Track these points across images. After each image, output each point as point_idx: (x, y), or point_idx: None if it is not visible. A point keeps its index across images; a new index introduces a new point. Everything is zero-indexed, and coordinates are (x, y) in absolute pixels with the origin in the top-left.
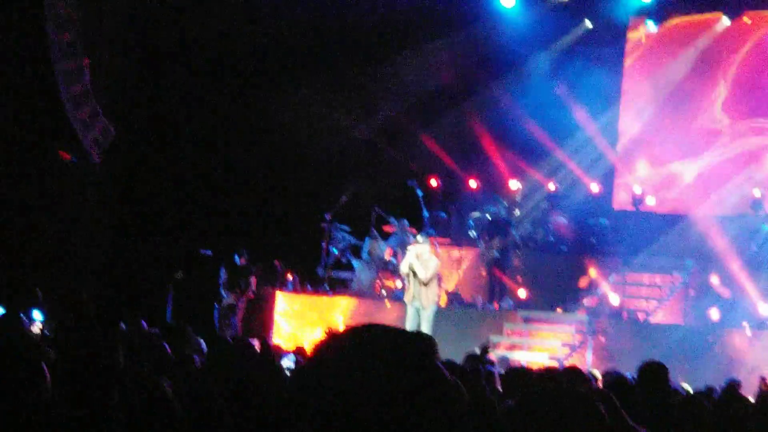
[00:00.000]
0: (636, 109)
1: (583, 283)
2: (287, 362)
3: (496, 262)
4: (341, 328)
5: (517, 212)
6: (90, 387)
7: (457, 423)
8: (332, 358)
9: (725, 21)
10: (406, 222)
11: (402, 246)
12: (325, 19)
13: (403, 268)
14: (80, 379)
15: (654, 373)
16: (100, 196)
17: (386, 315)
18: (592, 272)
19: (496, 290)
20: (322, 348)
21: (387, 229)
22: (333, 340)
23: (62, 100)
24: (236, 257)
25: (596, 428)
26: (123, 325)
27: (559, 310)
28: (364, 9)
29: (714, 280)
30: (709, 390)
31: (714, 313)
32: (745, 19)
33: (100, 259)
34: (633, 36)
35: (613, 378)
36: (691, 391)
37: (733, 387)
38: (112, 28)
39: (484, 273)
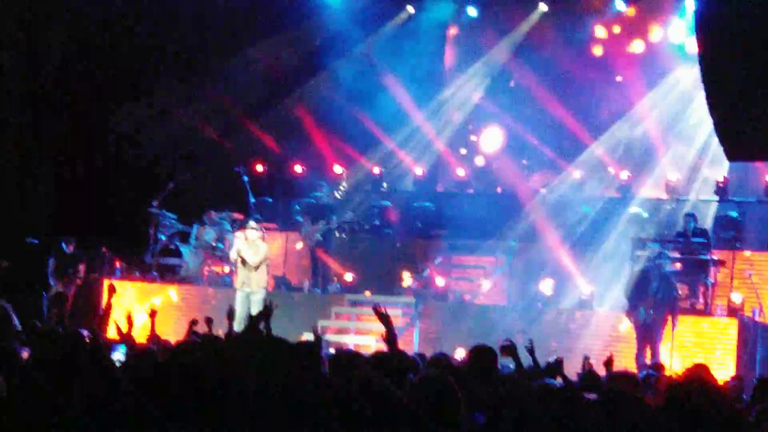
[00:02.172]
0: (463, 95)
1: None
2: (118, 355)
3: (320, 245)
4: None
5: (338, 195)
6: None
7: None
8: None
9: (543, 7)
10: (218, 214)
11: (226, 234)
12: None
13: (233, 254)
14: None
15: (483, 356)
16: None
17: (214, 300)
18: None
19: (320, 274)
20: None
21: (212, 215)
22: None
23: None
24: (63, 245)
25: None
26: None
27: (367, 293)
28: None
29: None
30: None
31: (546, 286)
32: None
33: None
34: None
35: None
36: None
37: (559, 365)
38: None
39: (308, 257)
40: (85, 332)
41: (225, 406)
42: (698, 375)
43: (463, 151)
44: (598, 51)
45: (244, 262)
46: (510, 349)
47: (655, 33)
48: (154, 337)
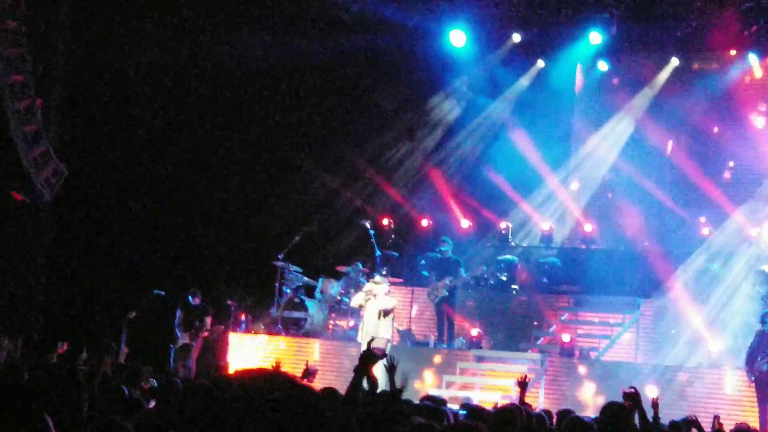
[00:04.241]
0: (595, 151)
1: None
2: None
3: (446, 300)
4: (292, 369)
5: (468, 251)
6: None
7: None
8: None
9: (675, 61)
10: (359, 265)
11: (355, 287)
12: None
13: (355, 301)
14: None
15: (616, 414)
16: (53, 236)
17: (339, 354)
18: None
19: (444, 329)
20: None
21: (340, 269)
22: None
23: (14, 140)
24: (190, 297)
25: None
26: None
27: None
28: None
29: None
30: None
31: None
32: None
33: (53, 299)
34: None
35: (570, 419)
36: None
37: (690, 425)
38: (64, 68)
39: (433, 312)
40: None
41: None
42: None
43: (596, 209)
44: (730, 106)
45: (364, 309)
46: (633, 397)
47: None
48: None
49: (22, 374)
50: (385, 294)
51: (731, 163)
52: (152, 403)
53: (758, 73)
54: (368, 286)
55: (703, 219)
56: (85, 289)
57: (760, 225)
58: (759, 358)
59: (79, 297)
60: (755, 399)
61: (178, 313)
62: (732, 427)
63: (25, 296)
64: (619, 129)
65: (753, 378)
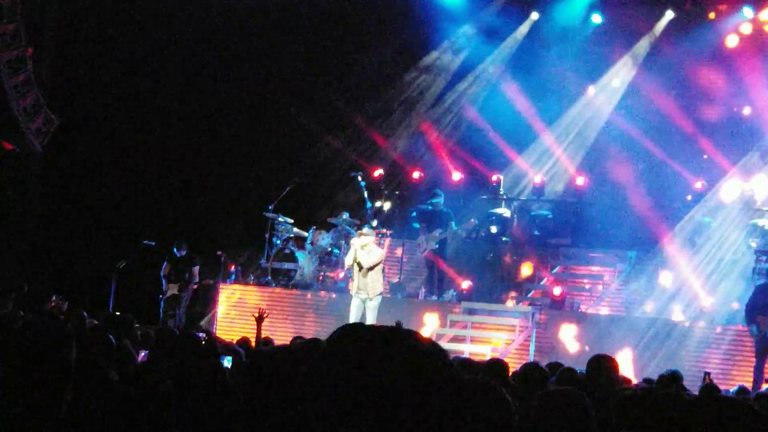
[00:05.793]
0: (589, 105)
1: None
2: (226, 363)
3: (436, 252)
4: (282, 319)
5: (460, 203)
6: (43, 382)
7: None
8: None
9: (669, 14)
10: (346, 215)
11: (344, 238)
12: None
13: (348, 260)
14: (32, 375)
15: (602, 366)
16: (43, 185)
17: (329, 306)
18: (528, 267)
19: (435, 281)
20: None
21: (329, 220)
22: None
23: (4, 90)
24: (175, 249)
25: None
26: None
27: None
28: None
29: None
30: (649, 381)
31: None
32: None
33: (42, 249)
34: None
35: (562, 371)
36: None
37: (675, 378)
38: (56, 17)
39: (424, 264)
40: (201, 334)
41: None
42: None
43: (589, 163)
44: (726, 61)
45: (360, 267)
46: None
47: None
48: (260, 340)
49: (16, 325)
50: (372, 245)
51: (730, 115)
52: (142, 354)
53: (753, 26)
54: (354, 241)
55: (705, 156)
56: (75, 238)
57: (754, 179)
58: (756, 322)
59: (69, 247)
60: (749, 355)
61: (165, 264)
62: (721, 381)
63: (14, 246)
64: (613, 82)
65: (756, 333)
